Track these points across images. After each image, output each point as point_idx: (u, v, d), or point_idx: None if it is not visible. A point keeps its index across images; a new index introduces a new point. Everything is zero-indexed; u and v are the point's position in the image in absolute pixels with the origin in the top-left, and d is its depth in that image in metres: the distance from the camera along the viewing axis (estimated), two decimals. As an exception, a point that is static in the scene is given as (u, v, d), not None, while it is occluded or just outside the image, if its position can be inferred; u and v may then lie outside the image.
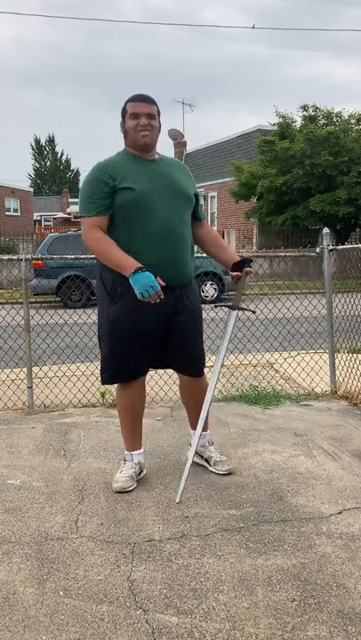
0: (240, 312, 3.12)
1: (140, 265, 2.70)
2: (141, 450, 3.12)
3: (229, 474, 3.13)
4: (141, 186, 2.79)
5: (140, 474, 3.08)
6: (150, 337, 2.92)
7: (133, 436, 3.08)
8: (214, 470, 3.15)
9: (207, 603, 2.07)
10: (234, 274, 3.05)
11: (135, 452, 3.08)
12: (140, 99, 2.86)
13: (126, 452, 3.09)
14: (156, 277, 2.70)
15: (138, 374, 2.99)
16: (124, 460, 3.09)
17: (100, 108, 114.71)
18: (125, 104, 2.89)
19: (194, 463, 3.20)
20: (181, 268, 2.91)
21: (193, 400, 3.17)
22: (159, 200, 2.81)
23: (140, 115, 2.83)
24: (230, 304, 3.11)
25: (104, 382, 3.05)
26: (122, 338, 2.88)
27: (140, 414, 3.10)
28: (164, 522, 2.64)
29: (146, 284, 2.66)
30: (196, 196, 3.03)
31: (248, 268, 3.04)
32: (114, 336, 2.89)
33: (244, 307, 3.10)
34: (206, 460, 3.21)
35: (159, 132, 2.93)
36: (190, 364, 3.08)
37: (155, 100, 2.90)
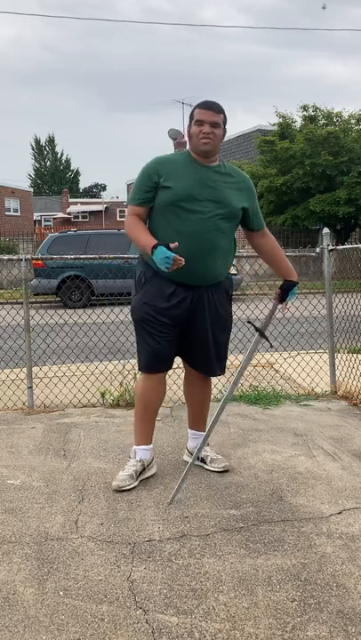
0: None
1: (155, 242, 2.76)
2: (148, 446, 3.11)
3: (225, 471, 3.16)
4: (180, 188, 2.88)
5: (142, 471, 3.06)
6: (168, 331, 2.97)
7: (142, 429, 3.10)
8: (210, 468, 3.18)
9: (207, 603, 2.07)
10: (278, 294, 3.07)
11: (140, 447, 3.09)
12: (208, 106, 2.92)
13: (133, 447, 3.12)
14: (169, 246, 2.73)
15: (158, 367, 3.02)
16: (129, 457, 3.12)
17: (100, 108, 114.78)
18: (194, 109, 2.96)
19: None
20: (202, 270, 2.94)
21: (198, 395, 3.26)
22: (195, 205, 2.88)
23: (204, 122, 2.89)
24: (259, 327, 3.07)
25: (140, 369, 3.11)
26: (142, 327, 2.99)
27: (153, 410, 3.10)
28: (164, 522, 2.64)
29: (161, 258, 2.71)
30: (245, 209, 3.02)
31: (283, 303, 3.06)
32: (136, 324, 3.04)
33: (266, 336, 3.03)
34: (202, 460, 3.23)
35: (222, 139, 2.98)
36: (206, 364, 3.14)
37: (222, 109, 2.95)
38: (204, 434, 3.09)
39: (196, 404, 3.28)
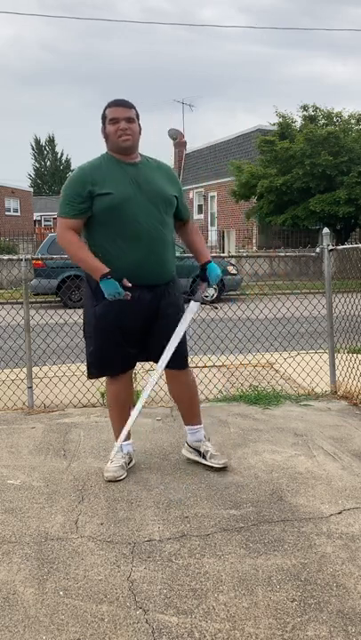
0: (207, 307, 3.37)
1: (106, 271, 2.84)
2: (130, 440, 3.25)
3: (225, 467, 3.17)
4: (120, 190, 2.88)
5: (129, 463, 3.21)
6: (135, 333, 3.03)
7: (122, 426, 3.15)
8: (210, 464, 3.19)
9: (207, 603, 2.07)
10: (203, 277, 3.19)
11: (125, 442, 3.18)
12: (118, 103, 2.95)
13: (116, 443, 3.18)
14: (121, 281, 2.84)
15: (124, 368, 3.13)
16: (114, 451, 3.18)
17: (100, 108, 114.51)
18: (104, 110, 2.96)
19: (191, 461, 3.25)
20: (160, 268, 3.00)
21: (183, 392, 3.26)
22: (137, 204, 2.90)
23: (119, 119, 2.91)
24: (193, 297, 3.18)
25: (91, 377, 3.21)
26: (107, 334, 3.01)
27: (127, 407, 3.19)
28: (164, 522, 2.64)
29: (112, 292, 2.84)
30: (177, 197, 3.08)
31: (205, 282, 3.17)
32: (100, 332, 3.03)
33: (207, 301, 3.28)
34: (203, 455, 3.24)
35: (140, 134, 3.00)
36: (176, 358, 3.14)
37: (133, 104, 2.98)
38: (201, 427, 3.29)
39: (183, 400, 3.29)
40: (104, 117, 2.96)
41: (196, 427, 3.27)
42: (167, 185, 3.02)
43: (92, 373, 3.18)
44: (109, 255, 2.92)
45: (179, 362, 3.17)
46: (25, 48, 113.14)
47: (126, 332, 3.01)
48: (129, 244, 2.91)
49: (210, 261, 3.17)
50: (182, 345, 3.15)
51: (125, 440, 3.19)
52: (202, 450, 3.25)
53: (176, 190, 3.08)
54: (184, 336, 3.16)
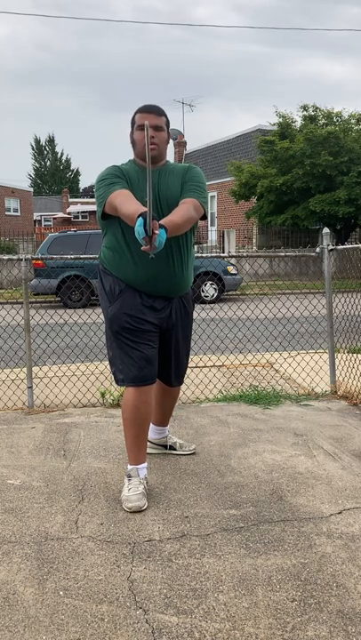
0: None
1: (140, 212, 2.43)
2: (146, 463, 2.97)
3: (193, 453, 3.40)
4: (140, 197, 2.71)
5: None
6: (155, 334, 2.88)
7: (140, 448, 2.91)
8: (182, 452, 3.41)
9: (207, 603, 2.07)
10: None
11: (141, 465, 2.91)
12: (148, 109, 2.81)
13: (131, 467, 2.90)
14: (144, 224, 2.35)
15: (148, 375, 2.84)
16: (130, 476, 2.88)
17: (100, 108, 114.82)
18: (134, 114, 2.84)
19: (191, 461, 3.28)
20: (175, 281, 2.87)
21: (169, 402, 3.31)
22: (156, 213, 2.69)
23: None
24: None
25: (118, 383, 2.92)
26: (125, 336, 2.82)
27: (147, 424, 2.93)
28: (164, 522, 2.64)
29: (136, 229, 2.38)
30: (183, 188, 2.83)
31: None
32: (115, 335, 2.85)
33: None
34: (171, 447, 3.42)
35: (167, 142, 2.89)
36: (179, 375, 3.17)
37: (163, 111, 2.85)
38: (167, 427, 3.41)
39: (167, 407, 3.33)
40: (133, 123, 2.83)
41: (166, 427, 3.42)
42: (178, 188, 2.83)
43: (119, 379, 2.90)
44: (125, 261, 2.80)
45: (182, 378, 3.20)
46: (23, 47, 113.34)
47: (143, 334, 2.82)
48: (141, 259, 2.74)
49: (162, 226, 2.47)
50: (187, 361, 3.18)
51: (142, 463, 2.92)
52: (169, 443, 3.41)
53: (181, 184, 2.83)
54: (188, 354, 3.17)
